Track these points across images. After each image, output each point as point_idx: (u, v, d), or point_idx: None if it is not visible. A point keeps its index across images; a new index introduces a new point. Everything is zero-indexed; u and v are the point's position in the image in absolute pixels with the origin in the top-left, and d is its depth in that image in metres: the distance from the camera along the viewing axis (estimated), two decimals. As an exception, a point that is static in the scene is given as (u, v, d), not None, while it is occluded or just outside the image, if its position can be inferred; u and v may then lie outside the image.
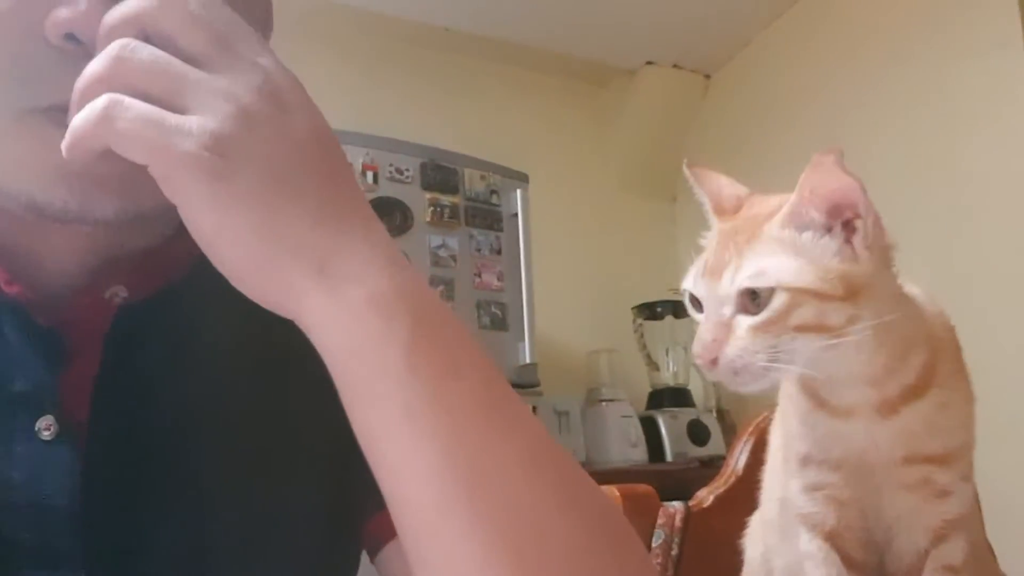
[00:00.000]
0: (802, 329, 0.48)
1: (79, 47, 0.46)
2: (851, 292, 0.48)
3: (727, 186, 0.56)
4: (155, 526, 0.53)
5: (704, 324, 0.49)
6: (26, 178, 0.48)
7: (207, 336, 0.60)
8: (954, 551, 0.52)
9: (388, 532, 0.62)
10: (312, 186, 0.45)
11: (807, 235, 0.49)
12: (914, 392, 0.52)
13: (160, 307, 0.57)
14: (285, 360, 0.62)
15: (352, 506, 0.65)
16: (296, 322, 0.45)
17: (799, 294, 0.47)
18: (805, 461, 0.54)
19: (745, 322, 0.48)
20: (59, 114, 0.45)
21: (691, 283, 0.52)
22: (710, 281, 0.49)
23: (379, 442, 0.44)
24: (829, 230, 0.49)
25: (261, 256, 0.43)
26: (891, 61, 2.49)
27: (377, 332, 0.43)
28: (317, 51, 2.53)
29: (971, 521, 0.55)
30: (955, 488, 0.52)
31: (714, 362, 0.48)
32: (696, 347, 0.49)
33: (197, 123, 0.41)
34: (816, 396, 0.53)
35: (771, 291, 0.48)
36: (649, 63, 3.24)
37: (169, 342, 0.57)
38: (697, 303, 0.51)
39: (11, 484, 0.49)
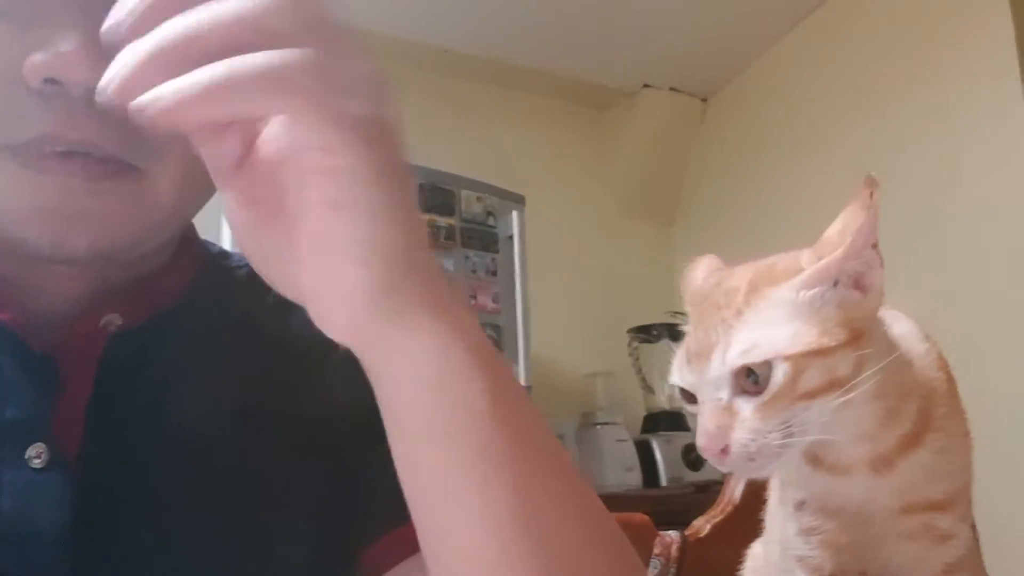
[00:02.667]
0: (812, 395, 0.44)
1: (56, 87, 0.46)
2: (855, 335, 0.44)
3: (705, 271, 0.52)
4: (146, 557, 0.52)
5: (703, 414, 0.45)
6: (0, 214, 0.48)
7: (199, 364, 0.59)
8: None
9: (390, 559, 0.62)
10: (411, 207, 0.43)
11: (817, 291, 0.45)
12: (910, 442, 0.49)
13: (153, 334, 0.56)
14: (278, 389, 0.62)
15: (348, 534, 0.64)
16: (364, 346, 0.43)
17: (801, 360, 0.43)
18: (800, 506, 0.52)
19: (748, 404, 0.44)
20: (30, 152, 0.46)
21: (677, 376, 0.47)
22: (697, 366, 0.45)
23: (444, 478, 0.43)
24: (846, 278, 0.45)
25: (385, 274, 0.40)
26: (888, 87, 2.50)
27: (464, 367, 0.42)
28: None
29: (971, 560, 0.53)
30: (956, 531, 0.51)
31: (724, 451, 0.44)
32: (701, 440, 0.45)
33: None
34: (808, 454, 0.50)
35: (768, 365, 0.44)
36: (647, 86, 3.25)
37: (162, 369, 0.57)
38: (689, 396, 0.47)
39: (0, 512, 0.49)
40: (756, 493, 0.67)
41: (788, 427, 0.44)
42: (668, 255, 3.44)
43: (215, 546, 0.55)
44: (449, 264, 2.33)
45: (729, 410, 0.45)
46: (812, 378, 0.44)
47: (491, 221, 2.45)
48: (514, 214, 2.48)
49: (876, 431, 0.49)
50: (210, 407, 0.57)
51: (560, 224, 3.04)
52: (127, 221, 0.50)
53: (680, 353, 0.48)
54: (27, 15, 0.47)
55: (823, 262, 0.45)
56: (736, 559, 0.69)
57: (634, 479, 2.66)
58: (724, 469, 0.46)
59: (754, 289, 0.46)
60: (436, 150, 2.63)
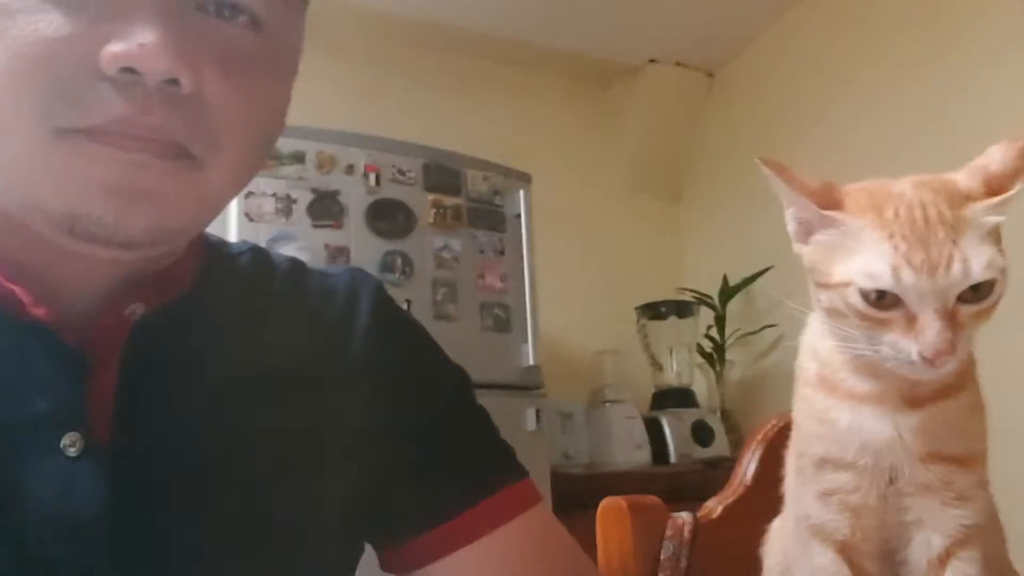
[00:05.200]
0: (990, 315, 0.48)
1: (132, 77, 0.48)
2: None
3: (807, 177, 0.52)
4: (181, 537, 0.54)
5: (930, 322, 0.45)
6: (65, 192, 0.50)
7: (219, 346, 0.61)
8: (972, 563, 0.50)
9: (437, 551, 0.65)
10: None
11: (999, 217, 0.48)
12: (946, 392, 0.51)
13: (171, 321, 0.59)
14: (299, 364, 0.64)
15: (378, 525, 0.67)
16: None
17: (1004, 280, 0.47)
18: (821, 464, 0.53)
19: (970, 310, 0.47)
20: (104, 133, 0.48)
21: (891, 280, 0.46)
22: (928, 276, 0.45)
23: None
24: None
25: None
26: (897, 57, 2.48)
27: None
28: (319, 52, 2.50)
29: (990, 535, 0.53)
30: (974, 494, 0.51)
31: (950, 354, 0.46)
32: (931, 346, 0.45)
33: None
34: (840, 388, 0.52)
35: (993, 281, 0.47)
36: (652, 61, 3.22)
37: (183, 354, 0.59)
38: (889, 301, 0.47)
39: (40, 501, 0.51)
40: (768, 474, 0.67)
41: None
42: (675, 232, 3.44)
43: (246, 525, 0.57)
44: (456, 244, 2.32)
45: (953, 317, 0.46)
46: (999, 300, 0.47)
47: (498, 200, 2.44)
48: (520, 193, 2.47)
49: None
50: (233, 388, 0.60)
51: (567, 202, 3.03)
52: (184, 207, 0.53)
53: (885, 259, 0.46)
54: (103, 6, 0.49)
55: (1008, 194, 0.48)
56: (749, 540, 0.69)
57: (643, 456, 2.67)
58: (939, 372, 0.47)
59: (955, 204, 0.48)
60: (442, 130, 2.62)
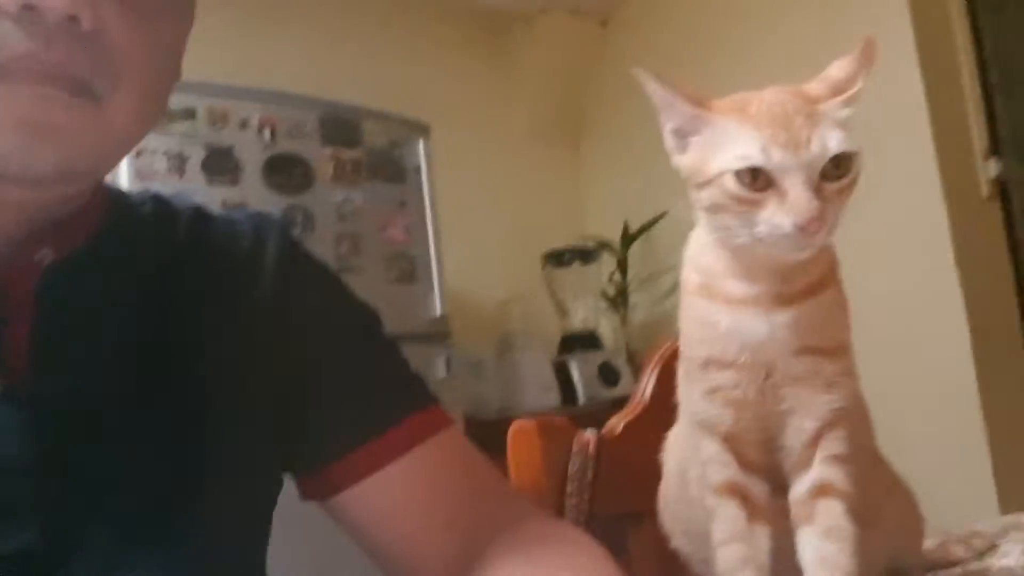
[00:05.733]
0: (851, 194, 0.52)
1: (33, 14, 0.48)
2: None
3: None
4: (106, 479, 0.55)
5: (800, 192, 0.49)
6: None
7: (130, 290, 0.62)
8: (840, 442, 0.55)
9: (351, 477, 0.67)
10: None
11: (849, 111, 0.53)
12: (812, 290, 0.55)
13: (80, 267, 0.59)
14: (210, 303, 0.65)
15: (301, 448, 0.68)
16: None
17: (858, 162, 0.52)
18: (705, 364, 0.57)
19: (834, 186, 0.51)
20: (6, 70, 0.48)
21: (761, 157, 0.50)
22: (793, 152, 0.50)
23: None
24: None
25: None
26: (782, 2, 2.56)
27: None
28: (209, 2, 2.43)
29: (858, 423, 0.59)
30: (840, 381, 0.56)
31: (821, 225, 0.50)
32: (803, 214, 0.49)
33: None
34: (720, 294, 0.57)
35: (851, 157, 0.51)
36: (545, 11, 3.23)
37: (94, 298, 0.60)
38: (762, 181, 0.51)
39: None
40: (664, 393, 0.71)
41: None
42: (575, 179, 3.49)
43: (165, 458, 0.58)
44: (357, 196, 2.31)
45: (820, 191, 0.50)
46: (857, 179, 0.52)
47: (397, 152, 2.43)
48: (420, 143, 2.46)
49: (793, 272, 0.55)
50: (144, 328, 0.61)
51: (467, 152, 3.04)
52: (90, 143, 0.53)
53: (755, 141, 0.51)
54: None
55: (853, 91, 0.53)
56: (649, 452, 0.73)
57: (552, 399, 2.74)
58: (812, 245, 0.51)
59: (809, 102, 0.53)
60: (337, 82, 2.58)
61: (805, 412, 0.56)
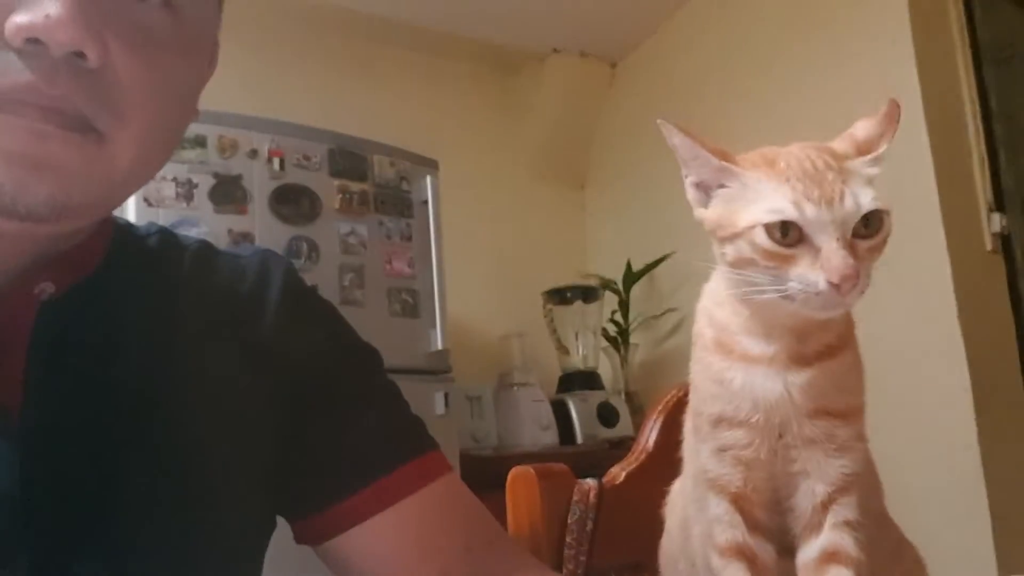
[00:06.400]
0: (880, 253, 0.52)
1: (38, 47, 0.47)
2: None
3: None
4: (95, 511, 0.55)
5: (835, 248, 0.49)
6: None
7: (129, 326, 0.61)
8: (851, 508, 0.55)
9: (345, 522, 0.67)
10: None
11: (877, 169, 0.53)
12: (829, 351, 0.55)
13: (79, 301, 0.58)
14: (210, 342, 0.65)
15: (298, 491, 0.68)
16: None
17: (889, 220, 0.52)
18: (717, 422, 0.56)
19: (865, 244, 0.51)
20: (6, 101, 0.48)
21: (794, 212, 0.49)
22: (827, 207, 0.49)
23: None
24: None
25: None
26: (789, 52, 2.58)
27: None
28: (222, 34, 2.45)
29: (868, 486, 0.58)
30: (853, 445, 0.55)
31: (855, 279, 0.49)
32: (838, 271, 0.48)
33: None
34: (735, 351, 0.56)
35: (881, 215, 0.51)
36: (556, 51, 3.27)
37: (92, 334, 0.59)
38: (793, 237, 0.50)
39: None
40: (668, 442, 0.71)
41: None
42: (579, 218, 3.50)
43: (159, 497, 0.57)
44: (363, 229, 2.31)
45: (853, 247, 0.50)
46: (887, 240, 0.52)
47: (405, 186, 2.44)
48: (428, 178, 2.47)
49: (810, 332, 0.55)
50: (141, 366, 0.60)
51: (473, 188, 3.05)
52: (87, 181, 0.52)
53: (785, 196, 0.50)
54: None
55: (880, 151, 0.54)
56: (650, 502, 0.72)
57: (550, 437, 2.72)
58: (846, 303, 0.50)
59: (837, 159, 0.53)
60: (347, 115, 2.60)
61: (817, 475, 0.55)
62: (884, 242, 0.52)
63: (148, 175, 0.59)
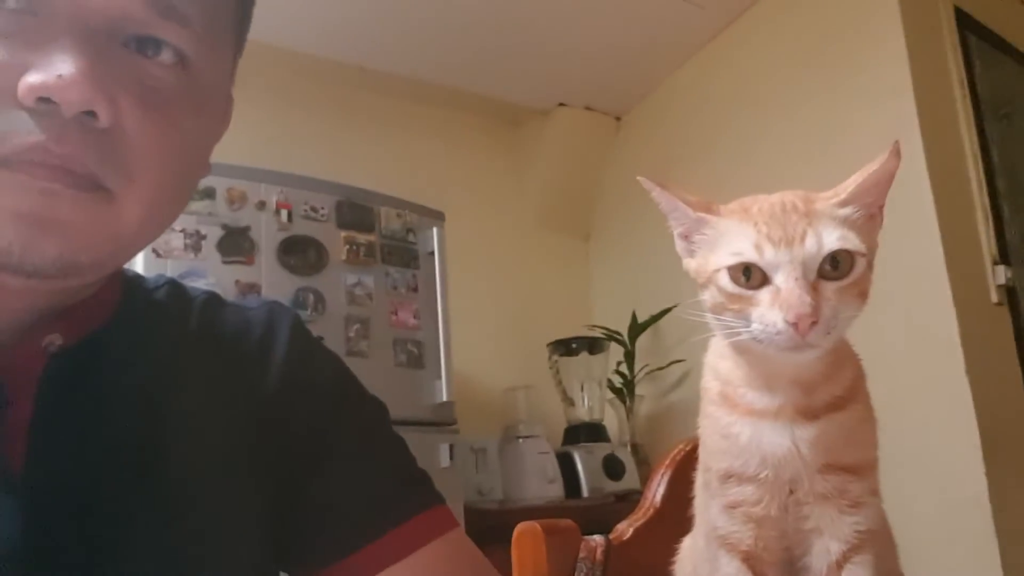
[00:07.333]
0: (861, 295, 0.51)
1: (49, 107, 0.48)
2: (870, 260, 0.53)
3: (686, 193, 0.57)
4: (97, 568, 0.54)
5: (792, 288, 0.49)
6: None
7: (136, 380, 0.61)
8: (866, 568, 0.54)
9: (365, 570, 0.65)
10: None
11: (849, 209, 0.53)
12: (837, 404, 0.54)
13: (88, 354, 0.58)
14: (218, 394, 0.64)
15: (304, 546, 0.67)
16: None
17: (866, 260, 0.51)
18: (725, 478, 0.56)
19: (831, 286, 0.50)
20: (17, 161, 0.48)
21: (755, 254, 0.50)
22: (786, 249, 0.50)
23: None
24: (866, 211, 0.53)
25: None
26: (791, 104, 2.61)
27: None
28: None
29: (882, 544, 0.57)
30: (867, 501, 0.54)
31: (815, 323, 0.49)
32: (796, 309, 0.48)
33: None
34: (740, 404, 0.55)
35: (851, 256, 0.51)
36: (562, 105, 3.31)
37: (100, 387, 0.59)
38: (756, 278, 0.51)
39: None
40: (677, 497, 0.70)
41: (840, 317, 0.51)
42: (584, 269, 3.51)
43: (161, 554, 0.57)
44: (369, 280, 2.32)
45: (815, 289, 0.50)
46: (867, 280, 0.52)
47: (411, 237, 2.46)
48: (434, 230, 2.49)
49: (816, 384, 0.54)
50: (148, 421, 0.60)
51: (479, 239, 3.07)
52: (95, 240, 0.52)
53: (748, 238, 0.51)
54: (25, 35, 0.48)
55: (850, 190, 0.53)
56: (658, 560, 0.71)
57: (556, 490, 2.69)
58: (807, 342, 0.50)
59: (807, 202, 0.53)
60: (355, 168, 2.63)
61: (831, 533, 0.54)
62: (857, 284, 0.51)
63: (157, 232, 0.59)
